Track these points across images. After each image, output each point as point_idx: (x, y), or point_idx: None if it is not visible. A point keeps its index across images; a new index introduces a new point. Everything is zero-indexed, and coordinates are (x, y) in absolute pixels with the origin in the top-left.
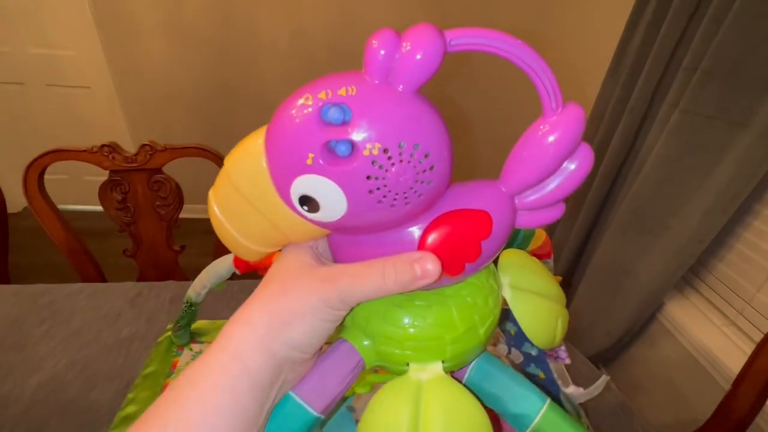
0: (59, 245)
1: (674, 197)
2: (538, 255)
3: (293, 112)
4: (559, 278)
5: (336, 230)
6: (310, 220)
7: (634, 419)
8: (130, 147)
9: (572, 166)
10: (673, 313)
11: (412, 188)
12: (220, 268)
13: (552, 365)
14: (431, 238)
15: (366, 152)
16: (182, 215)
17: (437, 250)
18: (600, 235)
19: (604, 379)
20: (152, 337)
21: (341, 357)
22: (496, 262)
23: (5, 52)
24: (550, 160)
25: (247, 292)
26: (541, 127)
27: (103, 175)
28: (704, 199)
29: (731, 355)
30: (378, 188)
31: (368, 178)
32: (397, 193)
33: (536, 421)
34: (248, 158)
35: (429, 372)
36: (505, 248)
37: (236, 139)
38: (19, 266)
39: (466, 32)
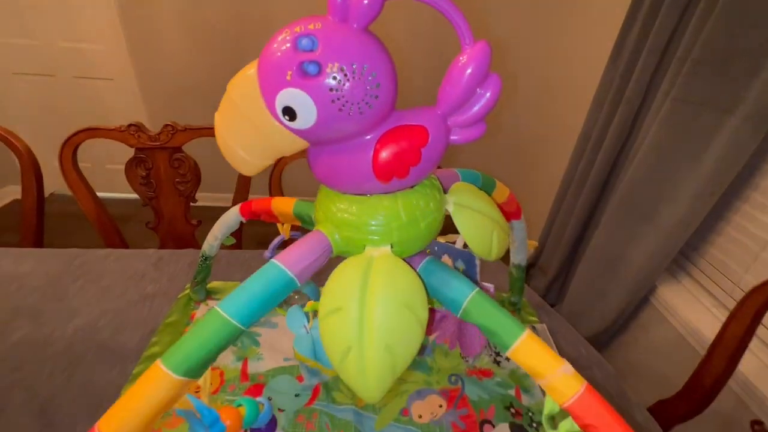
0: (89, 217)
1: (665, 183)
2: (507, 213)
3: (276, 44)
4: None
5: (311, 140)
6: (291, 129)
7: (610, 377)
8: None
9: (487, 93)
10: (665, 296)
11: (363, 100)
12: (229, 218)
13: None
14: (383, 152)
15: (328, 70)
16: (200, 203)
17: (388, 159)
18: (597, 222)
19: (542, 327)
20: (173, 294)
21: (315, 240)
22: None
23: (37, 45)
24: (467, 82)
25: (258, 259)
26: (460, 59)
27: (123, 165)
28: (693, 183)
29: None
30: (338, 98)
31: (331, 90)
32: (352, 104)
33: (465, 303)
34: (245, 82)
35: (380, 251)
36: None
37: None
38: (43, 247)
39: None
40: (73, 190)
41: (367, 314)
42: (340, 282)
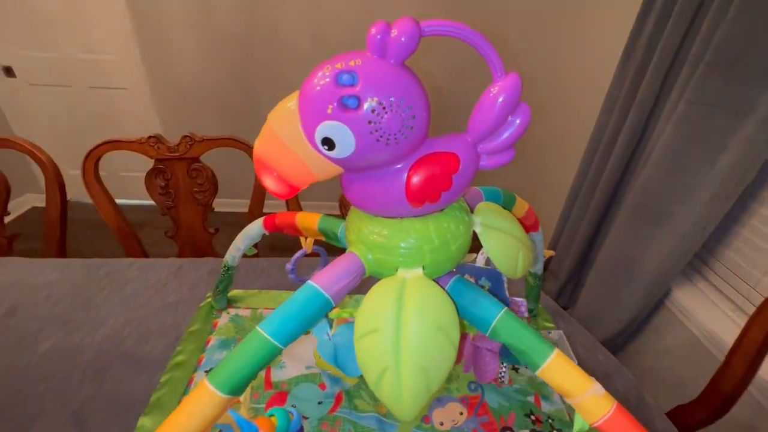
0: (111, 226)
1: (679, 185)
2: (526, 226)
3: (318, 78)
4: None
5: (347, 168)
6: (329, 158)
7: (629, 383)
8: None
9: (517, 121)
10: (681, 300)
11: (400, 131)
12: (252, 230)
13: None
14: (416, 178)
15: (367, 104)
16: (217, 209)
17: (421, 185)
18: (610, 225)
19: (559, 333)
20: (195, 303)
21: (349, 262)
22: (473, 209)
23: (55, 57)
24: (498, 111)
25: (277, 267)
26: (491, 89)
27: (137, 172)
28: (708, 186)
29: None
30: (376, 130)
31: (369, 122)
32: (389, 135)
33: (494, 323)
34: (286, 113)
35: (412, 273)
36: None
37: None
38: (66, 255)
39: (436, 23)
40: (95, 201)
41: (403, 336)
42: (376, 304)
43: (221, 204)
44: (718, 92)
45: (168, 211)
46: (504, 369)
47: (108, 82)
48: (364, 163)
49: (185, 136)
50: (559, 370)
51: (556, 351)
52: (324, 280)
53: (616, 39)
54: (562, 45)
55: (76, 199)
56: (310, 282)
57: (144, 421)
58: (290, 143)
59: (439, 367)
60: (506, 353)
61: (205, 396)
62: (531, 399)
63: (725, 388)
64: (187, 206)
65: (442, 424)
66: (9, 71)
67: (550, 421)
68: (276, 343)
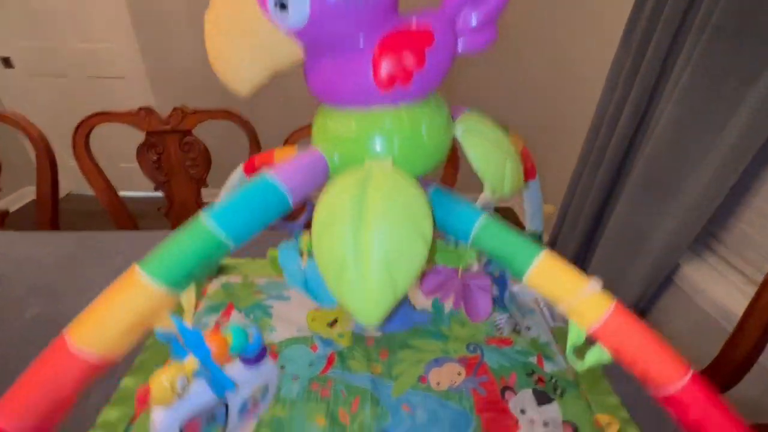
0: (101, 200)
1: (686, 156)
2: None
3: None
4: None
5: (306, 42)
6: (284, 26)
7: None
8: None
9: None
10: (690, 275)
11: None
12: (234, 179)
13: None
14: (384, 55)
15: None
16: (213, 199)
17: (390, 63)
18: (615, 202)
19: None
20: None
21: (310, 157)
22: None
23: (51, 47)
24: None
25: (269, 233)
26: None
27: (137, 163)
28: (716, 155)
29: None
30: None
31: None
32: None
33: (475, 230)
34: None
35: (380, 164)
36: None
37: (258, 124)
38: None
39: None
40: (85, 175)
41: (364, 228)
42: (335, 192)
43: (217, 195)
44: (723, 60)
45: (161, 186)
46: (501, 319)
47: (106, 72)
48: (322, 32)
49: (176, 108)
50: (550, 272)
51: (545, 251)
52: (280, 172)
53: (621, 4)
54: (567, 13)
55: (76, 191)
56: (265, 174)
57: (127, 382)
58: (242, 10)
59: (407, 264)
60: (501, 304)
61: (135, 281)
62: (533, 359)
63: (737, 356)
64: (180, 181)
65: (439, 383)
66: (7, 62)
67: (553, 380)
68: (221, 232)
